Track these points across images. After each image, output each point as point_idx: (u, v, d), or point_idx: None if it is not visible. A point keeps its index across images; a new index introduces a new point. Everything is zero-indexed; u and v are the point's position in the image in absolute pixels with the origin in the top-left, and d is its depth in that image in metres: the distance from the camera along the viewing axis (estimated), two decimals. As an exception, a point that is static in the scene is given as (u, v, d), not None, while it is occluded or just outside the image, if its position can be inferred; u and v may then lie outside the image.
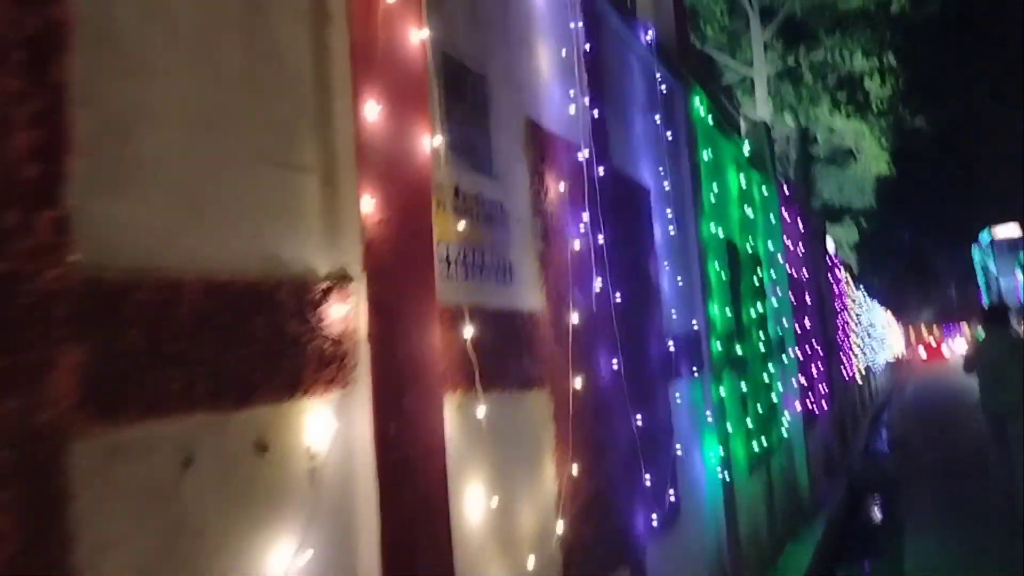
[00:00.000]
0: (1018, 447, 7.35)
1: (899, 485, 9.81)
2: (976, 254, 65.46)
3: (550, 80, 3.03)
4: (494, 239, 2.44)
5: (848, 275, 19.93)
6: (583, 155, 3.19)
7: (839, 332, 14.60)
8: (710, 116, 5.56)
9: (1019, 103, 21.91)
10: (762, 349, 6.35)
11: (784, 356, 7.35)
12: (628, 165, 3.90)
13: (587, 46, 3.33)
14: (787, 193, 8.87)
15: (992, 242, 62.73)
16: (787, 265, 8.09)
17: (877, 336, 28.80)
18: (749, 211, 6.59)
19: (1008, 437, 7.50)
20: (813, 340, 9.82)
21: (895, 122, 24.32)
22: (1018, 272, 60.41)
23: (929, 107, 22.78)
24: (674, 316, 4.27)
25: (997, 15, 20.12)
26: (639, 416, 3.39)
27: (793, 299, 8.30)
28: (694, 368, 4.49)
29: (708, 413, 4.57)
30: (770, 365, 6.60)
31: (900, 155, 26.48)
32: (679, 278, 4.49)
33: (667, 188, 4.41)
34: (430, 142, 2.04)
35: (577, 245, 3.04)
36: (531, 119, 2.83)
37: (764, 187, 7.44)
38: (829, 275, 14.03)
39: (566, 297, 2.87)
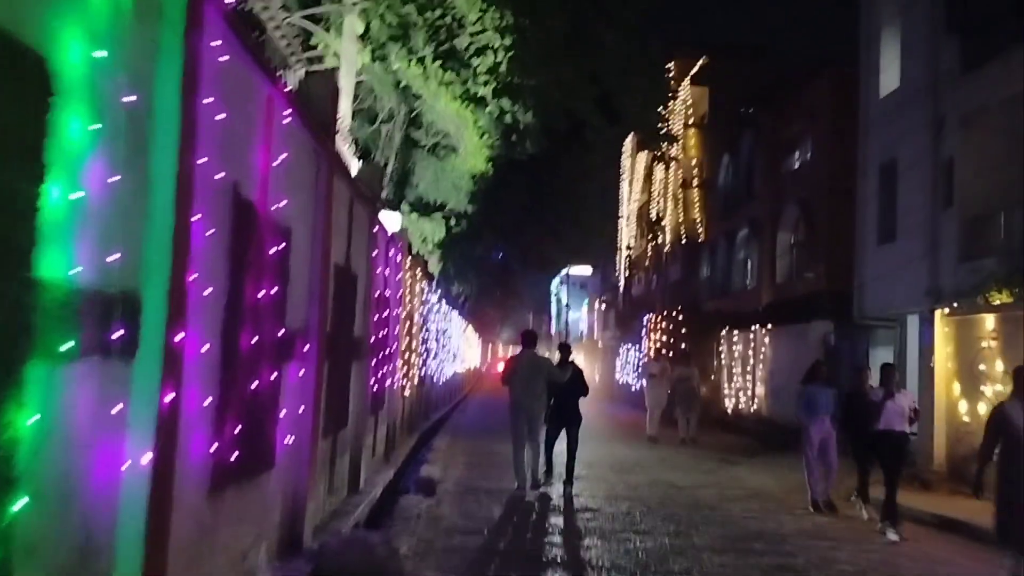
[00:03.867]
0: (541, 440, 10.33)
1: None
2: (554, 286, 70.05)
3: None
4: None
5: (423, 272, 16.66)
6: None
7: (386, 331, 10.90)
8: None
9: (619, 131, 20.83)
10: None
11: (122, 350, 2.96)
12: None
13: None
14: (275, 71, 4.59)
15: (567, 277, 67.42)
16: (214, 176, 3.75)
17: (450, 346, 26.46)
18: None
19: (528, 431, 10.05)
20: (294, 333, 5.67)
21: (500, 119, 22.10)
22: (584, 307, 65.12)
23: (535, 107, 20.72)
24: None
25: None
26: None
27: (225, 246, 4.00)
28: None
29: None
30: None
31: (501, 163, 24.53)
32: None
33: None
34: None
35: None
36: None
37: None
38: (380, 256, 10.24)
39: None
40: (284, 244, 5.31)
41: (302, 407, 5.96)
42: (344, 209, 7.54)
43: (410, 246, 14.93)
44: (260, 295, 4.79)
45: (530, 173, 30.63)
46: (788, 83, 27.24)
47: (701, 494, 11.15)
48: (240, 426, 4.51)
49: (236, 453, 4.46)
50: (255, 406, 4.80)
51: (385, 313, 10.74)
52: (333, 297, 7.09)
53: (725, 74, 35.39)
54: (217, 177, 3.92)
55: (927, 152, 15.68)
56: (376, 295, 9.79)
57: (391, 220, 12.25)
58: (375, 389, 10.08)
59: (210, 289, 3.94)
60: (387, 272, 10.83)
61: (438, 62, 19.90)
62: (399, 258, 11.91)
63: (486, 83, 19.78)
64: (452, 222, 22.86)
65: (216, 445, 4.19)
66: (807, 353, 15.09)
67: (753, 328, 18.03)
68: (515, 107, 20.87)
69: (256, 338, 4.72)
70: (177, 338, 3.43)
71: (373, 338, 9.72)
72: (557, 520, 9.12)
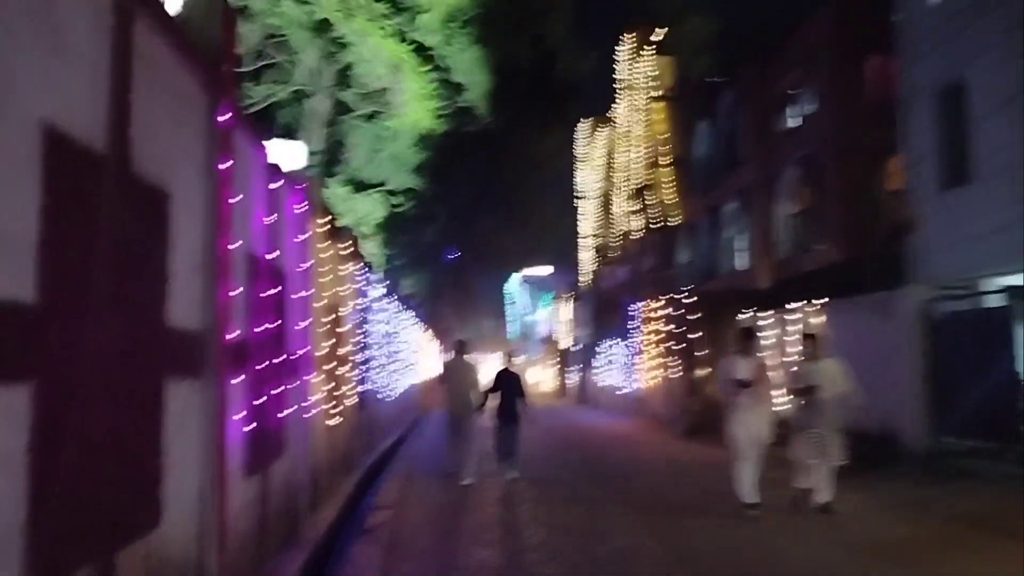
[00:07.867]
0: (472, 435, 10.83)
1: None
2: (510, 288, 65.44)
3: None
4: None
5: (354, 252, 11.96)
6: None
7: (279, 325, 6.27)
8: None
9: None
10: None
11: None
12: None
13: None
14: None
15: (525, 279, 62.74)
16: None
17: (405, 355, 21.61)
18: None
19: (461, 429, 10.84)
20: None
21: (446, 80, 17.58)
22: (543, 309, 60.58)
23: (490, 45, 16.21)
24: None
25: None
26: None
27: None
28: None
29: None
30: None
31: (452, 137, 19.98)
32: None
33: None
34: None
35: None
36: None
37: None
38: (251, 183, 5.63)
39: None
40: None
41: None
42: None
43: (329, 210, 10.28)
44: None
45: (483, 153, 26.22)
46: (774, 32, 23.33)
47: None
48: None
49: None
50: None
51: (274, 292, 6.09)
52: (61, 226, 2.47)
53: (692, 39, 31.50)
54: None
55: (1014, 63, 11.60)
56: (242, 252, 5.15)
57: (287, 150, 7.61)
58: (255, 427, 5.43)
59: None
60: (275, 222, 6.18)
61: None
62: (303, 210, 7.25)
63: (426, 13, 15.28)
64: (396, 200, 18.24)
65: None
66: (893, 334, 10.78)
67: (795, 305, 13.42)
68: (464, 49, 16.38)
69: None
70: None
71: (241, 336, 5.08)
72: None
